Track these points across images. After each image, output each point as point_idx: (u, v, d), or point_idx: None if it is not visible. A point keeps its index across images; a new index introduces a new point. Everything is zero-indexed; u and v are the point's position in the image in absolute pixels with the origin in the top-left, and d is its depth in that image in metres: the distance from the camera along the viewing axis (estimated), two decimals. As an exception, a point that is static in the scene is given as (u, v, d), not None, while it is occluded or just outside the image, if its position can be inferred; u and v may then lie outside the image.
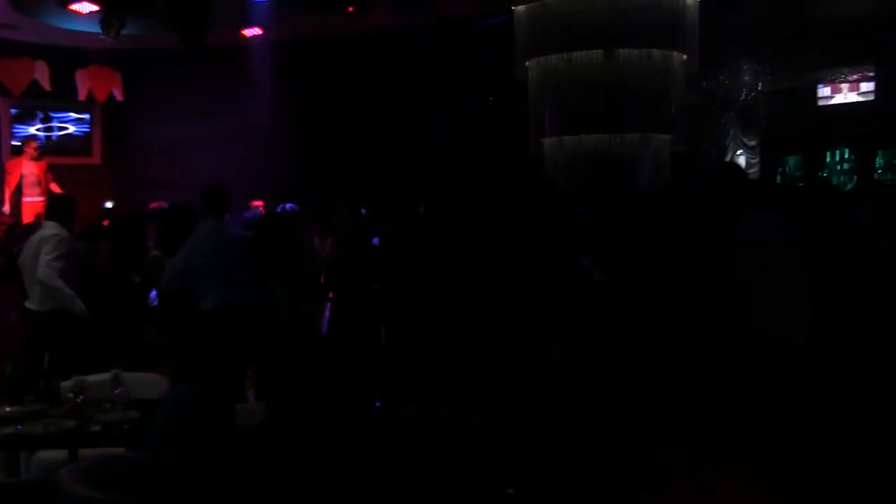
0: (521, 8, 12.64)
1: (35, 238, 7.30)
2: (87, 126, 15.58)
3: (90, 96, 14.81)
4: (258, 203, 12.08)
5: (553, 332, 4.55)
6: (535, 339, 4.87)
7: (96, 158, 15.66)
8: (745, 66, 14.39)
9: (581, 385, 4.39)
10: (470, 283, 5.64)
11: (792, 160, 14.53)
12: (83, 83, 14.60)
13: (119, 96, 14.95)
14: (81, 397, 5.19)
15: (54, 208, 7.61)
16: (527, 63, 12.86)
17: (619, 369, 4.36)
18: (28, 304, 7.30)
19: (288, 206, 9.99)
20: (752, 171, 14.65)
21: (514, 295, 5.17)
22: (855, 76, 13.55)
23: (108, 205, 13.71)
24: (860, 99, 13.56)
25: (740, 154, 14.84)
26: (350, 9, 11.47)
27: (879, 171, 13.35)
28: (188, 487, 3.51)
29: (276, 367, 5.68)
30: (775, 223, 5.42)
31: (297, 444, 3.48)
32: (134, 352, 6.84)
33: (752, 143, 14.77)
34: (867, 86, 13.47)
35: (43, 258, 7.06)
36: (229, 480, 3.54)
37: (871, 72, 13.42)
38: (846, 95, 13.67)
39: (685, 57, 12.65)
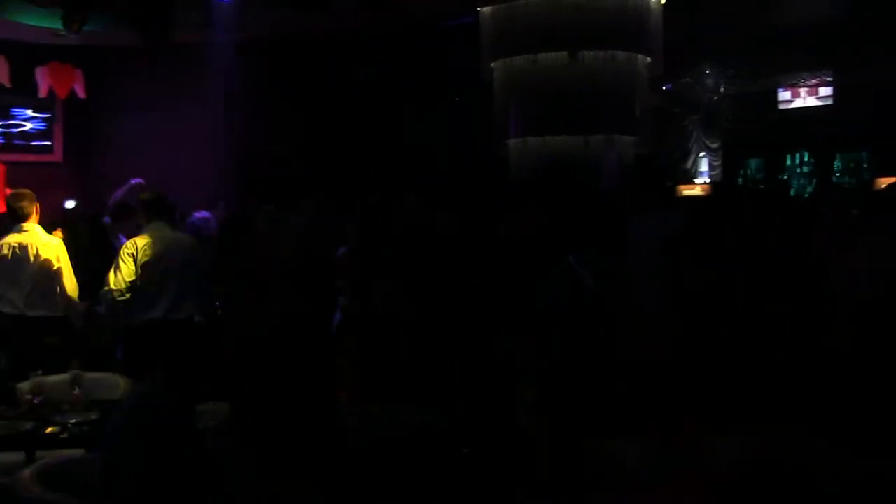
0: (486, 9, 12.68)
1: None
2: (47, 124, 15.40)
3: (51, 93, 14.63)
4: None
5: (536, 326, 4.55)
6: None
7: (58, 156, 15.47)
8: (709, 70, 14.57)
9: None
10: (444, 281, 5.61)
11: (753, 163, 14.74)
12: (44, 80, 14.36)
13: (81, 93, 14.75)
14: (39, 399, 5.07)
15: None
16: (492, 64, 12.90)
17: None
18: None
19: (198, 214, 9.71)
20: (714, 172, 14.82)
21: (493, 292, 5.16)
22: (814, 81, 13.79)
23: (70, 204, 13.52)
24: (819, 103, 13.81)
25: (703, 156, 15.02)
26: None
27: (837, 175, 13.55)
28: (147, 488, 3.46)
29: (235, 369, 5.66)
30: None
31: (260, 444, 3.43)
32: (90, 352, 6.73)
33: (715, 145, 14.96)
34: (826, 90, 13.72)
35: None
36: (191, 481, 3.50)
37: (829, 77, 13.63)
38: (805, 99, 13.90)
39: (649, 60, 12.81)
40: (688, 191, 13.78)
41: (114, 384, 5.52)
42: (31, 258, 6.47)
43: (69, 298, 6.72)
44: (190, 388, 3.75)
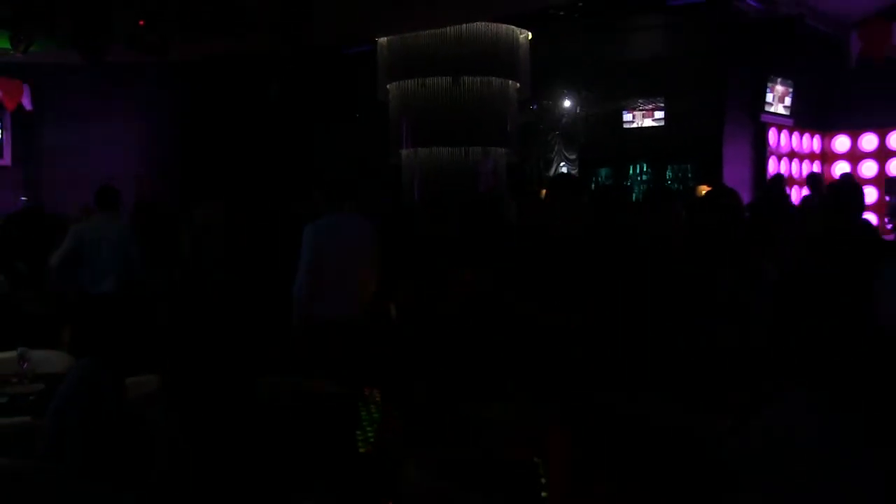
0: (383, 39, 12.79)
1: None
2: (-3, 132, 14.99)
3: (1, 105, 14.29)
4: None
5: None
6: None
7: (7, 161, 15.08)
8: (567, 95, 14.77)
9: None
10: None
11: (603, 171, 14.78)
12: (-8, 94, 14.05)
13: (28, 105, 14.43)
14: (26, 365, 4.96)
15: None
16: (388, 86, 13.02)
17: None
18: None
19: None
20: (571, 179, 15.07)
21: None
22: (650, 106, 13.89)
23: (23, 198, 13.36)
24: (654, 124, 13.90)
25: (563, 165, 15.16)
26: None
27: (669, 182, 13.80)
28: (86, 452, 3.38)
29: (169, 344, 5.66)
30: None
31: (186, 411, 3.46)
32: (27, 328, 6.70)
33: (573, 156, 15.11)
34: (659, 114, 13.81)
35: None
36: (123, 445, 3.44)
37: (661, 103, 13.81)
38: (643, 121, 14.01)
39: (518, 85, 13.01)
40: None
41: (57, 359, 5.39)
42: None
43: None
44: (121, 361, 3.77)
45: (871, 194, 12.17)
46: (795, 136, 14.06)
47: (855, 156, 14.31)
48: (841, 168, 14.15)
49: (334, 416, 4.69)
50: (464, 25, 12.05)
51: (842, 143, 14.51)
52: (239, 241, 7.92)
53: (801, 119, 13.99)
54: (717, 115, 12.92)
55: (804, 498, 2.32)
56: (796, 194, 13.20)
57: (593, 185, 15.11)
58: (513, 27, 12.54)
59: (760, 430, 2.53)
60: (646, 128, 14.06)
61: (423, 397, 4.82)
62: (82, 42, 11.34)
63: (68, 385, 3.62)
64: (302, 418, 4.44)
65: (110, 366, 3.67)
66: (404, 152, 12.93)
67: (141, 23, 11.15)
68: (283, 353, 6.07)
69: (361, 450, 5.77)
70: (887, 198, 10.98)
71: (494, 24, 12.31)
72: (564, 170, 14.98)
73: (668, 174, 13.98)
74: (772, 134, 13.47)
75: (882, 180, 13.58)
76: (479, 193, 11.59)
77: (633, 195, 13.43)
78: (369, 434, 6.11)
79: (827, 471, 2.31)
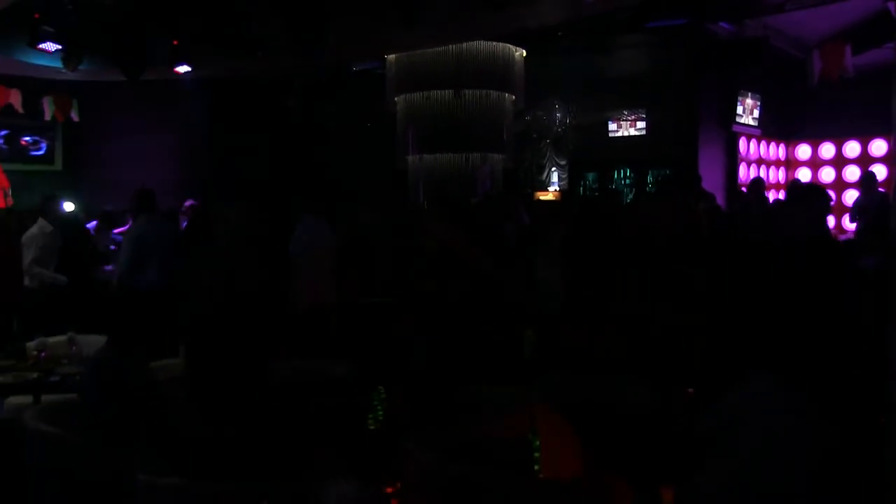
0: (391, 56, 12.83)
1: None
2: (49, 141, 15.11)
3: (53, 117, 14.41)
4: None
5: None
6: None
7: (58, 167, 15.19)
8: (558, 106, 14.74)
9: None
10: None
11: (591, 176, 14.85)
12: (48, 107, 14.15)
13: (75, 118, 14.54)
14: (43, 354, 5.13)
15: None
16: (395, 98, 13.06)
17: None
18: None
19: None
20: (562, 183, 15.11)
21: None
22: (633, 116, 13.93)
23: (69, 206, 13.37)
24: (637, 133, 13.97)
25: (554, 170, 15.17)
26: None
27: (650, 186, 13.86)
28: (113, 427, 3.49)
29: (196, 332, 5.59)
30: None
31: (206, 393, 3.44)
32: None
33: (563, 162, 15.12)
34: (641, 124, 13.85)
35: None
36: (143, 420, 3.51)
37: (643, 114, 13.88)
38: (627, 130, 14.05)
39: (514, 97, 13.07)
40: (543, 196, 14.14)
41: (102, 343, 5.57)
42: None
43: None
44: (143, 347, 3.81)
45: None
46: (763, 144, 14.30)
47: (815, 163, 14.53)
48: (803, 174, 14.24)
49: (345, 397, 4.88)
50: (464, 44, 12.05)
51: (803, 151, 14.74)
52: (265, 239, 7.97)
53: (767, 129, 14.19)
54: (692, 126, 13.07)
55: (758, 467, 2.35)
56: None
57: (581, 189, 15.02)
58: (509, 45, 12.61)
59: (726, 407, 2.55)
60: (629, 136, 14.15)
61: (425, 381, 4.85)
62: (124, 62, 11.50)
63: (89, 369, 3.65)
64: (316, 399, 4.47)
65: (132, 352, 3.65)
66: (410, 158, 13.04)
67: (175, 42, 11.23)
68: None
69: (371, 427, 5.81)
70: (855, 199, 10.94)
71: (492, 43, 12.36)
72: (555, 174, 14.93)
73: (649, 178, 14.03)
74: (742, 142, 13.72)
75: (839, 185, 13.65)
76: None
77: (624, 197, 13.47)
78: (379, 413, 6.14)
79: (779, 444, 2.33)
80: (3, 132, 14.69)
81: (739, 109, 13.33)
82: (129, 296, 6.16)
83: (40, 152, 15.09)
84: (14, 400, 4.94)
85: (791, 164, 14.81)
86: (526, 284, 5.87)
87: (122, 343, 3.72)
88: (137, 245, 6.64)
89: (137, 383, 3.64)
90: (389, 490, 3.76)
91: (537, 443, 3.71)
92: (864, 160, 13.54)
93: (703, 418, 2.78)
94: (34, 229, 7.17)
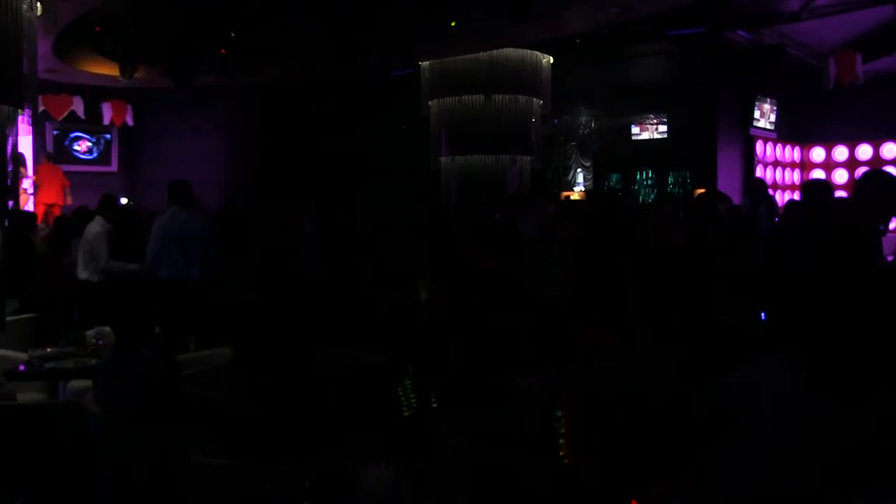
0: (425, 63, 12.81)
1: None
2: (107, 143, 15.33)
3: (111, 122, 14.66)
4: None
5: None
6: None
7: (114, 167, 15.42)
8: (583, 110, 14.73)
9: None
10: None
11: (614, 176, 14.81)
12: (106, 112, 14.42)
13: (130, 122, 14.80)
14: (101, 342, 5.08)
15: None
16: (429, 102, 13.05)
17: None
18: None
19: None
20: (587, 183, 15.06)
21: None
22: (655, 121, 13.90)
23: (124, 200, 13.54)
24: (658, 136, 13.90)
25: (579, 171, 15.16)
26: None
27: (671, 186, 13.80)
28: (131, 411, 3.48)
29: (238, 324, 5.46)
30: None
31: (254, 378, 3.42)
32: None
33: (588, 164, 15.10)
34: (662, 127, 13.84)
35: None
36: (165, 410, 3.48)
37: (664, 118, 13.80)
38: (650, 133, 14.06)
39: (541, 102, 12.97)
40: (569, 195, 14.11)
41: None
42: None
43: None
44: (148, 341, 3.75)
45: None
46: (779, 147, 14.15)
47: (829, 165, 14.38)
48: (817, 175, 14.10)
49: (381, 384, 4.79)
50: (495, 51, 11.99)
51: (818, 153, 14.58)
52: (308, 234, 7.97)
53: (783, 133, 14.03)
54: (711, 129, 12.95)
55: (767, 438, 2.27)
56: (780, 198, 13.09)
57: (605, 188, 14.90)
58: (537, 52, 12.52)
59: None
60: (651, 139, 14.09)
61: (456, 369, 4.83)
62: (174, 70, 11.62)
63: (102, 372, 3.63)
64: (353, 386, 4.45)
65: (138, 349, 3.63)
66: (443, 159, 13.01)
67: (223, 51, 11.31)
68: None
69: (405, 413, 5.82)
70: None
71: (521, 50, 12.28)
72: (580, 175, 14.87)
73: (670, 179, 13.99)
74: (759, 145, 13.57)
75: (852, 186, 13.39)
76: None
77: (640, 197, 13.38)
78: (412, 399, 6.15)
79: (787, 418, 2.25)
80: (70, 135, 14.99)
81: (756, 114, 13.19)
82: (125, 291, 6.01)
83: (97, 155, 15.35)
84: (75, 384, 4.97)
85: (806, 166, 14.64)
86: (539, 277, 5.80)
87: (127, 341, 3.67)
88: (160, 235, 6.40)
89: (154, 377, 3.58)
90: (422, 474, 3.75)
91: (562, 430, 3.70)
92: (876, 162, 13.35)
93: (719, 390, 2.65)
94: (96, 226, 7.14)
